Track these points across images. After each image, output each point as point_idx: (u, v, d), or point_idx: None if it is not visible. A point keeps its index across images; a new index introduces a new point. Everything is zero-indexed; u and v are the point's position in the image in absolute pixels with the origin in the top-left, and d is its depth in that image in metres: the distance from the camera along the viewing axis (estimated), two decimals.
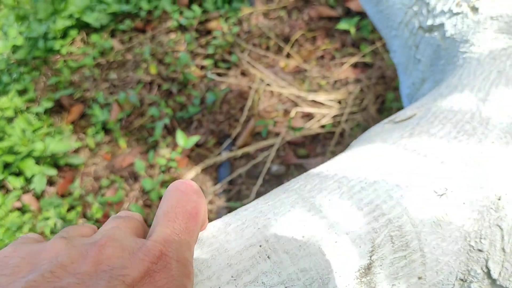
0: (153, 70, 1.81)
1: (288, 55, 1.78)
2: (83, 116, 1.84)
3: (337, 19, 1.82)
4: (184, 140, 1.38)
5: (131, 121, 1.76)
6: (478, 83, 0.49)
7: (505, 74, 0.50)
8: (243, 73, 1.79)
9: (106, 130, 1.76)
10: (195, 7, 1.95)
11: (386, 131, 0.48)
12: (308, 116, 1.59)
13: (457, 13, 0.59)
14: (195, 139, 1.42)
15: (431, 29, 0.63)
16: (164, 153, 1.59)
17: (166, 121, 1.63)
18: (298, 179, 0.39)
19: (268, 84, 1.67)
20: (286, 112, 1.62)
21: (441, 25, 0.61)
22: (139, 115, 1.77)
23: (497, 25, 0.56)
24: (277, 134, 1.57)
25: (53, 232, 1.46)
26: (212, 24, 1.94)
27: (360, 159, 0.40)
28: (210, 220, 0.34)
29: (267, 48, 1.82)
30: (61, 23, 1.98)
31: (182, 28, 1.98)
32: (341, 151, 1.44)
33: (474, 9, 0.58)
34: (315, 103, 1.60)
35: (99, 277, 0.21)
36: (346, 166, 0.39)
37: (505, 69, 0.50)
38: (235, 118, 1.65)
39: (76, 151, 1.74)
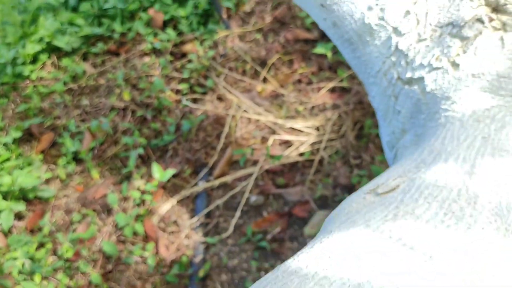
0: (126, 96, 1.76)
1: (265, 80, 1.75)
2: (53, 144, 1.77)
3: (314, 42, 1.80)
4: (160, 173, 1.33)
5: (104, 150, 1.69)
6: (463, 152, 0.47)
7: (490, 141, 0.47)
8: (220, 98, 1.75)
9: (77, 159, 1.69)
10: (169, 30, 1.91)
11: (368, 206, 0.45)
12: (286, 144, 1.56)
13: (437, 68, 0.57)
14: (171, 172, 1.37)
15: (410, 81, 0.61)
16: (138, 185, 1.53)
17: (140, 150, 1.58)
18: (275, 277, 0.36)
19: (245, 111, 1.63)
20: (264, 139, 1.59)
21: (421, 78, 0.59)
22: (113, 143, 1.71)
23: (479, 83, 0.54)
24: (255, 162, 1.54)
25: (21, 272, 1.38)
26: (187, 47, 1.90)
27: (343, 252, 0.37)
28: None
29: (244, 72, 1.79)
30: (31, 47, 1.91)
31: (156, 51, 1.93)
32: (320, 179, 1.41)
33: (455, 65, 0.56)
34: (293, 130, 1.57)
35: None
36: (327, 264, 0.36)
37: (490, 135, 0.48)
38: (211, 146, 1.61)
39: (47, 181, 1.67)
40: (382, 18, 0.67)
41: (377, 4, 0.67)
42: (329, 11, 0.72)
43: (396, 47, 0.67)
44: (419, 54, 0.59)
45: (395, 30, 0.67)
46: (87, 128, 1.70)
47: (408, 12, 0.65)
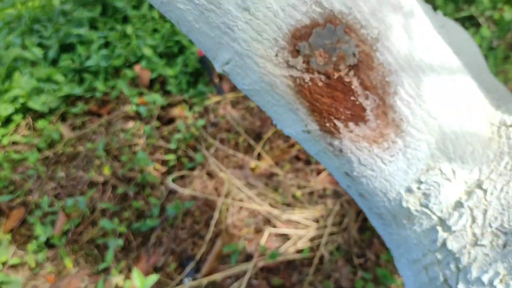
0: (107, 171, 1.59)
1: (259, 155, 1.59)
2: (24, 221, 1.59)
3: None
4: (140, 281, 1.17)
5: (79, 233, 1.52)
6: None
7: None
8: (209, 174, 1.59)
9: (50, 244, 1.52)
10: (156, 96, 1.75)
11: None
12: (283, 236, 1.40)
13: None
14: (154, 277, 1.20)
15: None
16: (116, 281, 1.36)
17: (120, 242, 1.41)
18: None
19: (237, 199, 1.47)
20: (258, 228, 1.43)
21: None
22: (90, 224, 1.54)
23: None
24: (248, 256, 1.38)
25: None
26: (175, 111, 1.74)
27: None
28: None
29: (236, 145, 1.64)
30: (4, 108, 1.74)
31: (142, 114, 1.77)
32: (320, 281, 1.25)
33: None
34: (290, 221, 1.41)
35: None
36: None
37: None
38: (199, 235, 1.45)
39: (14, 268, 1.49)
40: (425, 206, 0.52)
41: (419, 188, 0.52)
42: (355, 182, 0.57)
43: (444, 243, 0.52)
44: (475, 263, 0.44)
45: (442, 222, 0.52)
46: (61, 207, 1.53)
47: (460, 204, 0.50)
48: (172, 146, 1.64)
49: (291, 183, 1.50)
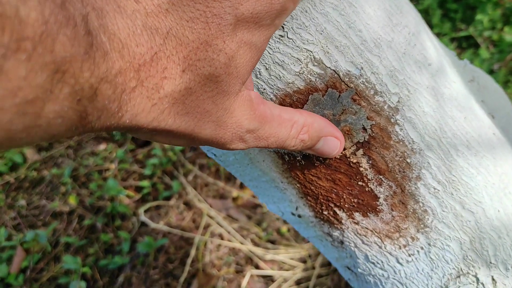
0: (72, 200, 1.44)
1: (242, 185, 1.46)
2: None
3: None
4: None
5: (39, 270, 1.36)
6: None
7: None
8: (187, 204, 1.45)
9: (5, 283, 1.35)
10: None
11: None
12: (267, 278, 1.27)
13: None
14: None
15: None
16: None
17: (82, 285, 1.25)
18: None
19: (217, 233, 1.33)
20: (239, 268, 1.29)
21: None
22: (52, 260, 1.39)
23: None
24: None
25: None
26: None
27: None
28: None
29: (217, 172, 1.50)
30: None
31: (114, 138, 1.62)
32: None
33: None
34: (274, 261, 1.28)
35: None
36: None
37: None
38: (173, 275, 1.30)
39: None
40: None
41: None
42: (359, 279, 0.44)
43: None
44: None
45: None
46: (19, 242, 1.37)
47: None
48: (147, 171, 1.50)
49: (276, 216, 1.37)
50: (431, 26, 1.68)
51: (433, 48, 0.37)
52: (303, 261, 1.27)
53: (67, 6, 0.18)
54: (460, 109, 0.37)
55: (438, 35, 1.65)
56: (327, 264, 1.27)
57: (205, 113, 0.25)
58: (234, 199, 1.44)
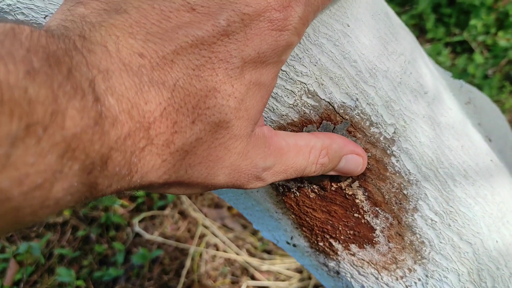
0: (66, 211, 1.42)
1: None
2: None
3: None
4: None
5: (33, 282, 1.35)
6: None
7: None
8: (182, 214, 1.43)
9: None
10: None
11: None
12: None
13: None
14: None
15: None
16: None
17: None
18: None
19: (212, 243, 1.32)
20: (235, 279, 1.28)
21: None
22: (45, 272, 1.37)
23: None
24: None
25: None
26: None
27: None
28: None
29: None
30: None
31: None
32: None
33: None
34: (270, 271, 1.27)
35: (223, 7, 0.21)
36: None
37: None
38: (169, 287, 1.29)
39: None
40: None
41: None
42: None
43: None
44: None
45: None
46: (12, 254, 1.35)
47: None
48: None
49: None
50: (425, 31, 1.68)
51: (429, 74, 0.36)
52: (299, 271, 1.26)
53: (73, 73, 0.17)
54: (457, 137, 0.36)
55: (432, 40, 1.65)
56: None
57: (217, 160, 0.24)
58: (229, 208, 1.43)
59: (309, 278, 1.24)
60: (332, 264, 0.39)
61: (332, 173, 0.32)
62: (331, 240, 0.37)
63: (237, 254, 1.29)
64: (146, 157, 0.20)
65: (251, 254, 1.30)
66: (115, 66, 0.19)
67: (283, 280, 1.25)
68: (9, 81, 0.14)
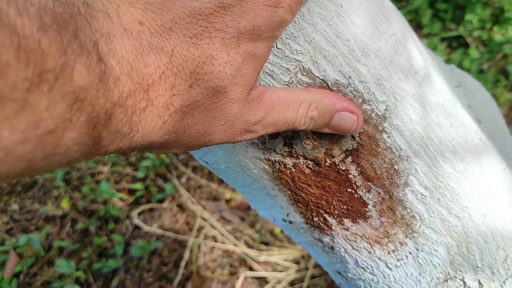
0: (65, 203, 1.43)
1: None
2: None
3: None
4: None
5: (33, 274, 1.36)
6: None
7: None
8: (180, 207, 1.45)
9: None
10: None
11: None
12: (261, 279, 1.27)
13: None
14: None
15: None
16: None
17: None
18: None
19: (210, 236, 1.34)
20: (233, 270, 1.29)
21: None
22: (45, 264, 1.38)
23: None
24: None
25: None
26: None
27: None
28: None
29: (210, 174, 1.50)
30: None
31: None
32: None
33: None
34: (268, 262, 1.28)
35: None
36: None
37: None
38: (167, 278, 1.30)
39: None
40: None
41: None
42: (350, 284, 0.44)
43: None
44: None
45: None
46: (12, 246, 1.36)
47: None
48: (140, 174, 1.49)
49: None
50: (421, 26, 1.69)
51: (419, 55, 0.38)
52: (297, 262, 1.28)
53: (79, 34, 0.18)
54: (447, 115, 0.37)
55: (428, 35, 1.67)
56: (319, 265, 1.27)
57: (214, 120, 0.26)
58: (227, 201, 1.44)
59: (306, 268, 1.26)
60: (326, 239, 0.41)
61: (326, 130, 0.33)
62: (326, 215, 0.39)
63: (235, 245, 1.31)
64: (147, 118, 0.21)
65: (249, 246, 1.32)
66: (116, 31, 0.20)
67: (280, 271, 1.26)
68: (25, 32, 0.15)
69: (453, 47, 1.68)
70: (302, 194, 0.38)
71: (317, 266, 1.27)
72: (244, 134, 0.28)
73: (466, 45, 1.64)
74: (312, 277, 1.25)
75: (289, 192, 0.39)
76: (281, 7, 0.25)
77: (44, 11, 0.17)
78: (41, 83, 0.16)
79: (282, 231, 1.34)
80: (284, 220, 0.43)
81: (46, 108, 0.16)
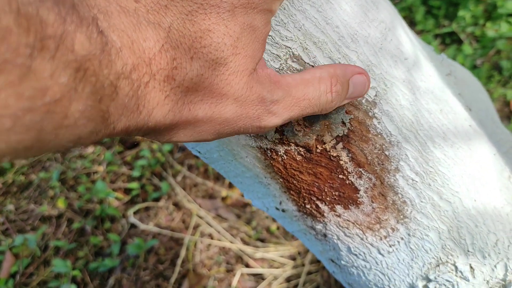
0: (61, 203, 1.43)
1: (231, 184, 1.46)
2: None
3: None
4: None
5: (29, 274, 1.35)
6: None
7: None
8: (176, 205, 1.45)
9: None
10: None
11: None
12: (257, 276, 1.27)
13: None
14: None
15: None
16: None
17: (72, 287, 1.25)
18: None
19: (206, 233, 1.34)
20: (229, 267, 1.29)
21: None
22: (41, 264, 1.38)
23: None
24: None
25: None
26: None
27: None
28: None
29: (205, 172, 1.50)
30: None
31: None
32: None
33: None
34: (264, 259, 1.28)
35: None
36: None
37: None
38: (164, 276, 1.30)
39: None
40: None
41: (427, 287, 0.40)
42: (343, 271, 0.44)
43: None
44: None
45: None
46: (8, 247, 1.36)
47: None
48: (136, 173, 1.49)
49: (266, 215, 1.38)
50: (414, 23, 1.70)
51: (409, 42, 0.38)
52: (293, 258, 1.28)
53: (76, 8, 0.18)
54: (436, 101, 0.38)
55: (422, 31, 1.68)
56: (316, 261, 1.28)
57: (222, 96, 0.25)
58: (223, 199, 1.44)
59: (302, 265, 1.26)
60: (319, 226, 0.41)
61: (345, 102, 0.32)
62: (318, 202, 0.39)
63: (232, 242, 1.31)
64: (150, 93, 0.22)
65: (245, 243, 1.32)
66: (113, 8, 0.20)
67: (277, 267, 1.27)
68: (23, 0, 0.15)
69: (446, 43, 1.69)
70: (294, 181, 0.39)
71: (313, 262, 1.27)
72: (265, 116, 0.27)
73: (460, 42, 1.65)
74: (309, 273, 1.26)
75: (281, 179, 0.39)
76: None
77: None
78: (43, 49, 0.16)
79: (278, 228, 1.34)
80: (277, 209, 0.43)
81: (50, 76, 0.16)
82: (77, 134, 0.18)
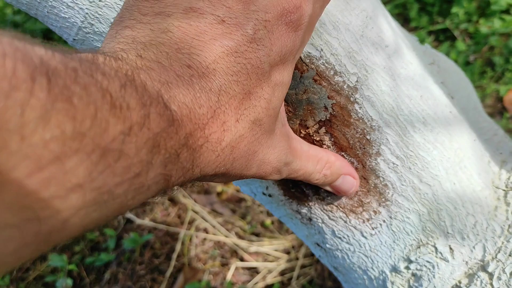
0: None
1: None
2: None
3: None
4: None
5: (26, 269, 1.36)
6: None
7: None
8: (172, 200, 1.46)
9: None
10: None
11: None
12: (252, 269, 1.29)
13: None
14: None
15: None
16: None
17: (68, 282, 1.26)
18: None
19: (201, 228, 1.35)
20: (224, 261, 1.30)
21: None
22: (38, 258, 1.38)
23: None
24: None
25: None
26: None
27: None
28: None
29: None
30: None
31: None
32: None
33: None
34: (259, 253, 1.30)
35: (248, 17, 0.24)
36: None
37: None
38: (159, 270, 1.31)
39: None
40: None
41: (408, 267, 0.41)
42: (328, 255, 0.46)
43: None
44: None
45: None
46: None
47: None
48: None
49: (260, 209, 1.39)
50: (408, 20, 1.72)
51: (390, 31, 0.39)
52: (287, 252, 1.29)
53: (146, 87, 0.20)
54: (417, 88, 0.39)
55: (416, 28, 1.69)
56: (310, 254, 1.29)
57: (253, 154, 0.28)
58: (219, 194, 1.46)
59: (296, 258, 1.28)
60: (304, 210, 0.42)
61: (327, 188, 0.37)
62: (302, 186, 0.40)
63: (227, 237, 1.32)
64: (204, 153, 0.24)
65: (240, 237, 1.33)
66: (171, 78, 0.22)
67: (271, 261, 1.28)
68: (112, 91, 0.18)
69: (440, 40, 1.70)
70: None
71: (307, 256, 1.29)
72: (274, 174, 0.31)
73: (453, 38, 1.66)
74: (303, 266, 1.27)
75: None
76: (300, 30, 0.27)
77: (115, 72, 0.19)
78: (130, 134, 0.18)
79: (272, 223, 1.36)
80: (264, 194, 0.44)
81: (134, 155, 0.19)
82: (148, 196, 0.21)
